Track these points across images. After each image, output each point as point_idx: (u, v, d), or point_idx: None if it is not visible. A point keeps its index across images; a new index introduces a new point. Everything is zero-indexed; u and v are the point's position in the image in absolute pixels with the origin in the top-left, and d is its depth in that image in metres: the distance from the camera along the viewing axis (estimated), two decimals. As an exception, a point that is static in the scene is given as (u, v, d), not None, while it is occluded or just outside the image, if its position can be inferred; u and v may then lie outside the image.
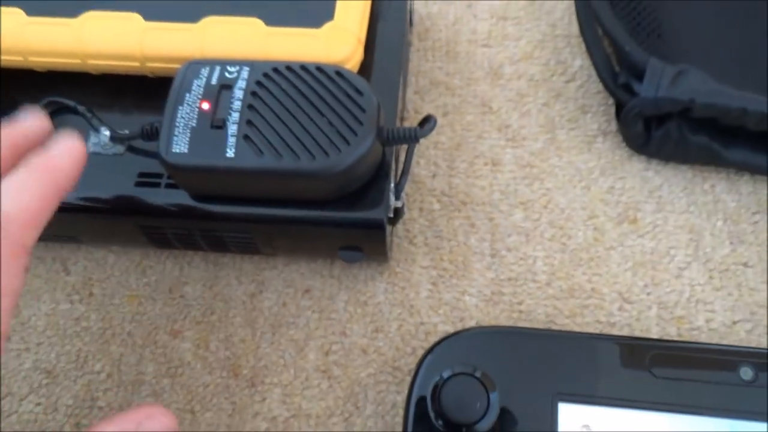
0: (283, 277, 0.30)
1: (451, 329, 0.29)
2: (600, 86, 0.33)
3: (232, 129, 0.23)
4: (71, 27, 0.26)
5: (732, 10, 0.32)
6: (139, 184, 0.26)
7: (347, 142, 0.23)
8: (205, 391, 0.28)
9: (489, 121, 0.33)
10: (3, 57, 0.27)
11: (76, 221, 0.27)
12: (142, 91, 0.28)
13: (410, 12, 0.32)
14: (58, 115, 0.27)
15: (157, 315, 0.30)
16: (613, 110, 0.33)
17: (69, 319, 0.30)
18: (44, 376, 0.29)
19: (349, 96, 0.24)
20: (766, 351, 0.24)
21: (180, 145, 0.23)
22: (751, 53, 0.31)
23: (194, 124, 0.24)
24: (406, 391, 0.25)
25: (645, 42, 0.31)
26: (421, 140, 0.27)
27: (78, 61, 0.27)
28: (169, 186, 0.26)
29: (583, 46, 0.33)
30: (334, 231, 0.26)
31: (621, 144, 0.32)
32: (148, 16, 0.27)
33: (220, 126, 0.23)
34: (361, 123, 0.23)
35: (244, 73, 0.24)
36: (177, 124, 0.24)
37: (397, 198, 0.26)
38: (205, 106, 0.24)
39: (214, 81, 0.24)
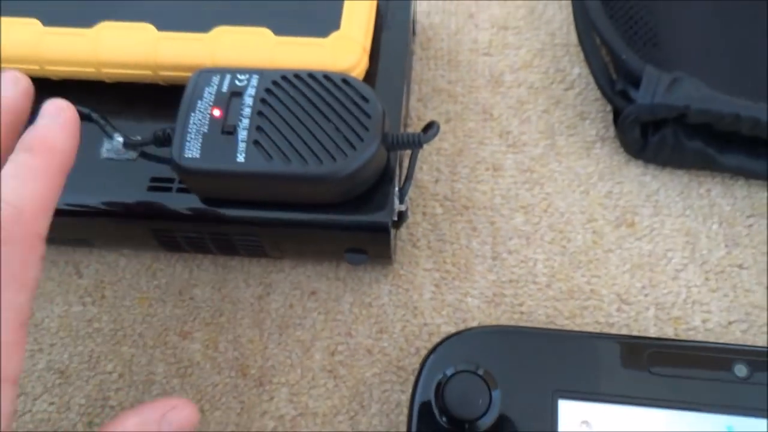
0: (289, 280, 0.31)
1: (453, 330, 0.29)
2: (598, 93, 0.34)
3: (243, 135, 0.24)
4: (86, 37, 0.27)
5: (726, 20, 0.33)
6: (151, 189, 0.27)
7: (353, 147, 0.24)
8: (214, 391, 0.29)
9: (490, 128, 0.34)
10: (20, 66, 0.28)
11: (89, 225, 0.28)
12: (154, 99, 0.29)
13: (413, 22, 0.33)
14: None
15: (167, 317, 0.30)
16: (610, 117, 0.33)
17: (81, 321, 0.30)
18: (57, 376, 0.29)
19: (355, 103, 0.25)
20: (759, 349, 0.25)
21: (192, 150, 0.24)
22: (744, 62, 0.32)
23: (206, 130, 0.24)
24: (410, 390, 0.26)
25: (641, 50, 0.32)
26: (425, 146, 0.27)
27: (92, 69, 0.28)
28: (180, 190, 0.27)
29: (581, 55, 0.34)
30: (340, 234, 0.27)
31: (619, 149, 0.33)
32: (161, 27, 0.27)
33: (231, 132, 0.24)
34: (366, 129, 0.24)
35: (254, 81, 0.25)
36: (189, 130, 0.24)
37: (401, 202, 0.27)
38: (217, 112, 0.25)
39: (224, 88, 0.25)
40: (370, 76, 0.28)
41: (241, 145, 0.24)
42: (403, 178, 0.27)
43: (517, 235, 0.31)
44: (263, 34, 0.27)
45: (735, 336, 0.29)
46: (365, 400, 0.28)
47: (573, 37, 0.36)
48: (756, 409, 0.24)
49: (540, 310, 0.30)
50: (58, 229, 0.21)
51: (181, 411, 0.20)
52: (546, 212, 0.32)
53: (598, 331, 0.29)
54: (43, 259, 0.20)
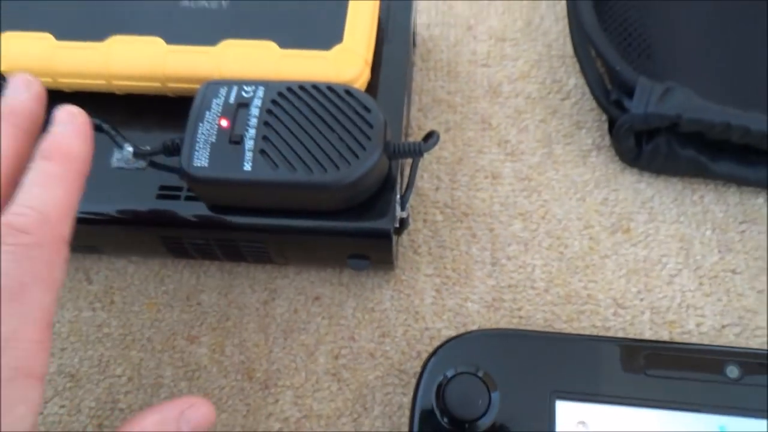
0: (294, 285, 0.32)
1: (454, 334, 0.30)
2: (593, 103, 0.35)
3: (249, 144, 0.25)
4: (98, 50, 0.28)
5: (719, 32, 0.34)
6: (160, 197, 0.28)
7: (356, 156, 0.25)
8: (220, 394, 0.30)
9: (489, 137, 0.35)
10: (34, 79, 0.29)
11: (100, 232, 0.29)
12: (162, 110, 0.29)
13: (413, 34, 0.34)
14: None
15: (174, 321, 0.31)
16: (606, 126, 0.34)
17: (91, 326, 0.31)
18: (68, 379, 0.30)
19: (357, 113, 0.25)
20: (750, 351, 0.26)
21: (201, 159, 0.25)
22: (736, 73, 0.32)
23: (214, 140, 0.25)
24: (411, 393, 0.27)
25: (635, 62, 0.33)
26: (425, 155, 0.28)
27: (104, 82, 0.29)
28: (188, 198, 0.28)
29: (577, 66, 0.35)
30: (343, 240, 0.28)
31: (614, 158, 0.34)
32: (170, 40, 0.28)
33: (238, 141, 0.25)
34: (369, 138, 0.25)
35: (260, 93, 0.26)
36: (198, 140, 0.25)
37: (403, 209, 0.28)
38: (224, 123, 0.25)
39: (231, 100, 0.26)
40: (372, 87, 0.29)
41: (248, 155, 0.25)
42: (404, 186, 0.28)
43: (516, 242, 0.32)
44: (269, 47, 0.28)
45: (729, 339, 0.29)
46: (368, 403, 0.29)
47: (569, 49, 0.36)
48: (748, 409, 0.24)
49: (538, 315, 0.30)
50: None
51: (198, 409, 0.21)
52: (544, 219, 0.32)
53: (594, 334, 0.30)
54: (67, 261, 0.21)
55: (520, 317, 0.30)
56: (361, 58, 0.28)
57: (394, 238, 0.28)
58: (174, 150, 0.27)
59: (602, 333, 0.30)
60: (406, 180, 0.28)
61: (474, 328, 0.30)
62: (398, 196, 0.28)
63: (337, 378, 0.30)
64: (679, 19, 0.34)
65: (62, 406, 0.30)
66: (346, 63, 0.28)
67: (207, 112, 0.26)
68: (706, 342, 0.29)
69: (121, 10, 0.29)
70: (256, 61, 0.28)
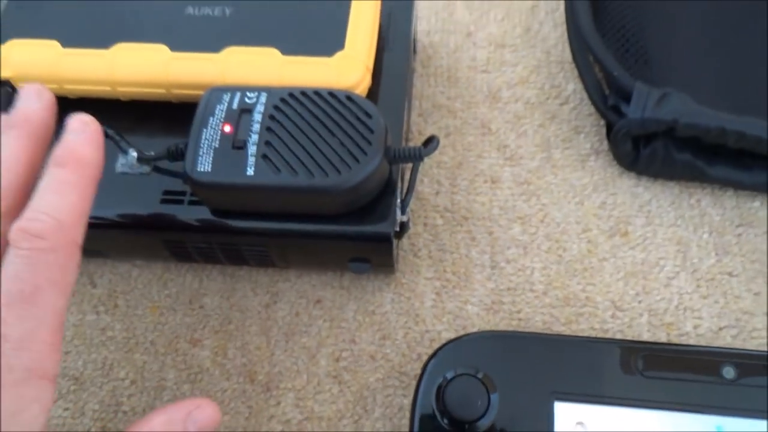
0: (295, 289, 0.32)
1: (453, 336, 0.30)
2: (592, 108, 0.35)
3: (252, 149, 0.25)
4: (103, 57, 0.29)
5: (714, 38, 0.34)
6: (164, 201, 0.28)
7: (357, 161, 0.25)
8: (223, 396, 0.30)
9: (488, 142, 0.35)
10: (40, 85, 0.29)
11: (105, 237, 0.29)
12: (166, 116, 0.30)
13: (414, 41, 0.34)
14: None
15: (177, 325, 0.31)
16: (604, 131, 0.35)
17: (95, 329, 0.32)
18: (72, 382, 0.30)
19: (358, 118, 0.26)
20: (746, 352, 0.26)
21: (204, 164, 0.25)
22: (731, 78, 0.33)
23: (217, 145, 0.26)
24: (412, 395, 0.27)
25: (633, 68, 0.33)
26: (425, 159, 0.29)
27: (109, 88, 0.29)
28: (191, 203, 0.28)
29: (575, 72, 0.36)
30: (344, 243, 0.28)
31: (612, 162, 0.34)
32: (174, 47, 0.29)
33: (241, 147, 0.25)
34: (369, 143, 0.25)
35: (263, 98, 0.26)
36: (201, 145, 0.26)
37: (403, 213, 0.28)
38: (227, 128, 0.26)
39: (235, 106, 0.26)
40: (372, 93, 0.30)
41: (251, 159, 0.25)
42: (404, 190, 0.29)
43: (515, 245, 0.32)
44: (271, 54, 0.29)
45: (726, 341, 0.30)
46: (369, 405, 0.29)
47: (567, 55, 0.37)
48: (743, 409, 0.25)
49: (537, 317, 0.31)
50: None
51: (204, 410, 0.22)
52: (542, 222, 0.33)
53: (593, 336, 0.30)
54: (79, 265, 0.21)
55: (520, 320, 0.31)
56: (363, 64, 0.28)
57: (395, 241, 0.28)
58: (178, 155, 0.27)
59: (600, 335, 0.30)
60: (406, 184, 0.29)
61: (474, 330, 0.31)
62: (399, 200, 0.28)
63: (339, 380, 0.30)
64: (676, 25, 0.35)
65: (66, 409, 0.30)
66: (348, 69, 0.28)
67: (210, 118, 0.26)
68: (702, 344, 0.29)
69: (126, 18, 0.30)
70: (259, 67, 0.28)
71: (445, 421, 0.25)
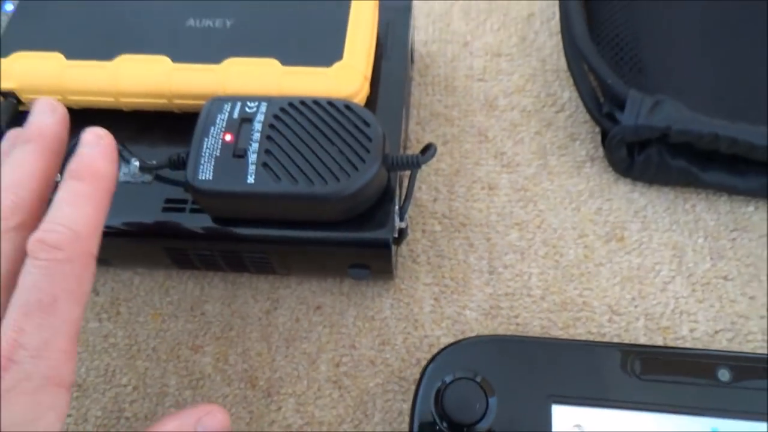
0: (296, 295, 0.32)
1: (452, 341, 0.30)
2: (587, 116, 0.36)
3: (252, 158, 0.26)
4: (106, 69, 0.29)
5: (706, 46, 0.35)
6: (165, 210, 0.28)
7: (356, 169, 0.25)
8: (224, 402, 0.30)
9: (485, 149, 0.36)
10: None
11: (108, 245, 0.29)
12: (168, 126, 0.30)
13: (411, 51, 0.34)
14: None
15: (179, 331, 0.32)
16: (599, 138, 0.35)
17: (98, 337, 0.32)
18: (75, 389, 0.31)
19: (357, 127, 0.26)
20: (740, 354, 0.26)
21: (205, 172, 0.26)
22: (724, 85, 0.33)
23: (218, 154, 0.26)
24: (411, 400, 0.27)
25: (627, 75, 0.33)
26: (423, 166, 0.29)
27: (112, 99, 0.30)
28: (193, 211, 0.28)
29: (570, 80, 0.36)
30: (343, 250, 0.29)
31: (607, 168, 0.34)
32: (176, 58, 0.29)
33: (242, 155, 0.26)
34: (368, 151, 0.26)
35: (263, 108, 0.27)
36: (203, 154, 0.26)
37: (402, 220, 0.29)
38: (228, 137, 0.26)
39: (235, 115, 0.27)
40: (371, 102, 0.30)
41: (251, 168, 0.26)
42: (403, 197, 0.29)
43: (512, 251, 0.33)
44: (271, 64, 0.29)
45: (721, 344, 0.30)
46: (369, 410, 0.30)
47: (563, 64, 0.37)
48: (739, 411, 0.25)
49: (535, 322, 0.31)
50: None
51: (215, 416, 0.22)
52: (539, 228, 0.33)
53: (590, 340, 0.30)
54: (94, 275, 0.22)
55: (517, 324, 0.31)
56: (361, 74, 0.29)
57: (394, 248, 0.29)
58: (179, 164, 0.27)
59: (598, 339, 0.30)
60: (404, 191, 0.29)
61: (472, 335, 0.31)
62: (397, 207, 0.28)
63: (339, 385, 0.30)
64: (670, 33, 0.35)
65: (69, 415, 0.30)
66: (346, 79, 0.29)
67: (212, 127, 0.27)
68: (699, 347, 0.30)
69: (128, 30, 0.30)
70: (259, 77, 0.29)
71: (444, 424, 0.25)
